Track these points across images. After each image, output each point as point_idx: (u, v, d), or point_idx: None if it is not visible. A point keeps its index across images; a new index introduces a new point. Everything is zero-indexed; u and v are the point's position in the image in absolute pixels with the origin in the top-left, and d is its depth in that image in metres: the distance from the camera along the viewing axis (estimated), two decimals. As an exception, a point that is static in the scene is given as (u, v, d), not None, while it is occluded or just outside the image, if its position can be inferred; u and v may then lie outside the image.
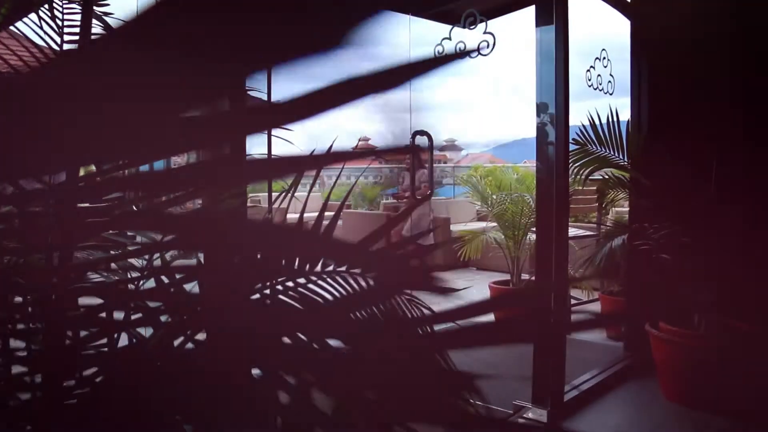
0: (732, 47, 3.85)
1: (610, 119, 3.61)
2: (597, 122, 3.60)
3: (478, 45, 3.39)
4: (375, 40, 0.35)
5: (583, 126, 3.58)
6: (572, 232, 5.51)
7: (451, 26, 3.55)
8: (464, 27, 3.48)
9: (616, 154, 3.67)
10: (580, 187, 4.02)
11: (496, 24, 3.60)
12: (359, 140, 7.51)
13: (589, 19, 4.39)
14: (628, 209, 4.56)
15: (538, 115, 3.29)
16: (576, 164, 3.55)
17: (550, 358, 3.38)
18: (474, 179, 5.02)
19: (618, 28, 4.17)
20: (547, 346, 3.38)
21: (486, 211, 4.91)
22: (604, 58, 4.06)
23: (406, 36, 3.71)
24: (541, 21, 3.24)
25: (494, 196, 4.97)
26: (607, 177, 3.91)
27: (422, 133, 3.58)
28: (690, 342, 3.47)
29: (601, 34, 4.68)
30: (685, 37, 3.98)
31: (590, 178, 3.99)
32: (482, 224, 5.53)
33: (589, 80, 3.94)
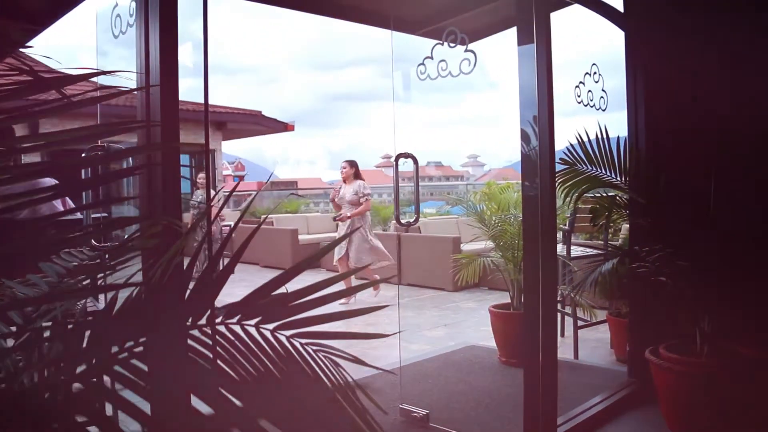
0: (731, 55, 3.69)
1: (600, 137, 3.46)
2: (586, 140, 3.45)
3: (459, 63, 3.28)
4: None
5: (571, 145, 3.43)
6: (577, 251, 5.33)
7: (433, 44, 3.44)
8: (444, 43, 3.37)
9: (608, 173, 3.51)
10: (567, 209, 3.86)
11: (483, 44, 3.50)
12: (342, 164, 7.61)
13: (580, 34, 4.27)
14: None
15: (522, 135, 3.17)
16: (565, 185, 3.40)
17: (541, 386, 3.22)
18: (471, 200, 4.88)
19: (611, 41, 4.03)
20: (536, 372, 3.22)
21: (483, 233, 4.77)
22: (595, 73, 3.91)
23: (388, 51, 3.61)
24: (522, 40, 3.12)
25: (494, 218, 4.82)
26: (602, 196, 3.75)
27: (406, 155, 3.46)
28: (691, 370, 3.28)
29: (593, 49, 4.54)
30: (682, 47, 3.83)
31: (589, 196, 3.85)
32: (488, 244, 5.37)
33: (579, 96, 3.80)
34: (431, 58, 3.45)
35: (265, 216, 13.95)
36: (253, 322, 1.12)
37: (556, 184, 3.23)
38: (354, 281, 7.80)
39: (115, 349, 1.00)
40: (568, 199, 3.43)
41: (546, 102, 3.04)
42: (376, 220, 17.61)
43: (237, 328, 1.11)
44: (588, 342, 5.44)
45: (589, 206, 4.27)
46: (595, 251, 5.39)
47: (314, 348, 1.17)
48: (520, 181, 3.30)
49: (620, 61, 4.04)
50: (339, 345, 1.20)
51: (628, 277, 3.90)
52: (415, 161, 3.52)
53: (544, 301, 3.22)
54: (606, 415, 3.65)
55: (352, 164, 8.12)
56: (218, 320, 1.09)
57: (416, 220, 3.67)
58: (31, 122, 12.48)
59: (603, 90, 3.98)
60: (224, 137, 16.85)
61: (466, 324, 6.92)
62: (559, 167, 3.29)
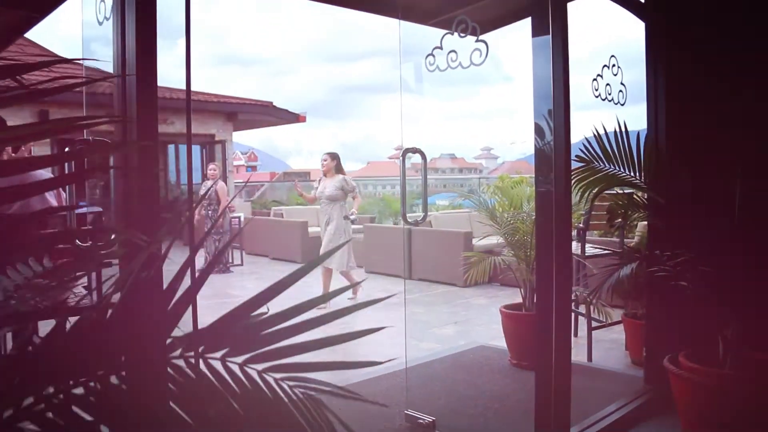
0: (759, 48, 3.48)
1: (618, 132, 3.27)
2: (603, 136, 3.26)
3: (470, 54, 3.10)
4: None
5: (588, 140, 3.24)
6: (592, 251, 5.14)
7: (442, 33, 3.26)
8: (455, 33, 3.20)
9: (627, 171, 3.32)
10: (583, 207, 3.67)
11: (495, 35, 3.32)
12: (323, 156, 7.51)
13: (598, 25, 4.06)
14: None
15: (536, 129, 3.00)
16: (581, 183, 3.21)
17: (553, 391, 3.05)
18: (483, 194, 4.70)
19: (631, 33, 3.83)
20: (549, 376, 3.06)
21: (495, 230, 4.59)
22: (614, 65, 3.71)
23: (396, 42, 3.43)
24: (537, 32, 2.95)
25: (506, 215, 4.64)
26: (619, 193, 3.56)
27: (414, 150, 3.29)
28: (714, 381, 3.10)
29: (611, 40, 4.33)
30: (705, 39, 3.62)
31: (606, 193, 3.66)
32: (500, 240, 5.16)
33: (596, 90, 3.60)
34: (440, 48, 3.27)
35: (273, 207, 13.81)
36: (218, 354, 0.97)
37: (572, 181, 3.05)
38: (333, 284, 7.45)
39: (51, 390, 0.85)
40: (584, 197, 3.24)
41: (562, 95, 2.86)
42: (387, 213, 17.46)
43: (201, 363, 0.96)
44: (602, 343, 5.26)
45: (605, 204, 4.08)
46: (611, 251, 5.20)
47: (292, 384, 1.01)
48: (533, 176, 3.13)
49: (640, 54, 3.84)
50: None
51: (645, 280, 3.71)
52: (423, 156, 3.35)
53: (558, 303, 3.06)
54: (621, 426, 3.48)
55: (334, 157, 7.58)
56: (176, 353, 0.93)
57: (424, 218, 3.51)
58: (39, 111, 12.44)
59: (622, 83, 3.78)
60: (235, 128, 16.73)
61: (477, 321, 6.76)
62: (575, 164, 3.11)
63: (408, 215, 3.33)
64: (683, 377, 3.15)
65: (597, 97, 3.57)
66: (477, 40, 3.10)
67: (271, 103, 16.61)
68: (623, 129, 3.29)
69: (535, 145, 3.02)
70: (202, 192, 10.17)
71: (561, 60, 2.88)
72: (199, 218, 10.17)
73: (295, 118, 17.54)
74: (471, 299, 8.01)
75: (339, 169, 7.53)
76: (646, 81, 3.81)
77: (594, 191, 3.23)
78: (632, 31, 3.82)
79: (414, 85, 3.60)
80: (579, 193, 3.20)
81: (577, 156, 3.15)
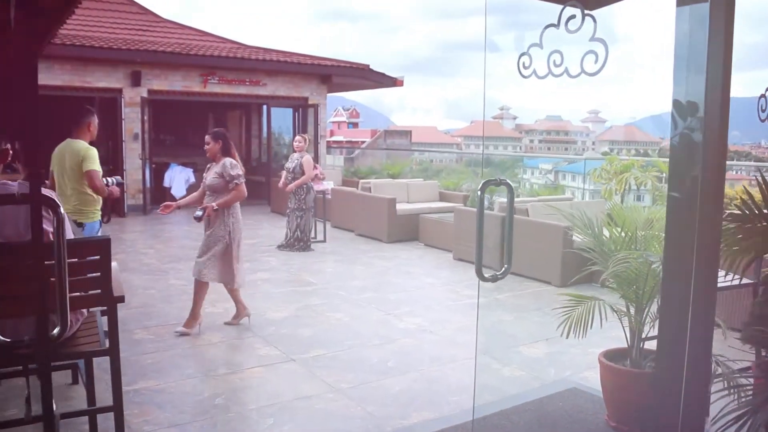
0: None
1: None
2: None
3: (581, 60, 2.22)
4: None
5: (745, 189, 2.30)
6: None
7: (543, 27, 2.38)
8: (560, 27, 2.32)
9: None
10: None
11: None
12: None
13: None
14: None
15: (674, 118, 2.17)
16: (732, 248, 2.28)
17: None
18: (586, 219, 3.76)
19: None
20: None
21: (601, 265, 3.67)
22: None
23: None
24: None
25: (617, 247, 3.70)
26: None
27: (498, 182, 2.47)
28: None
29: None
30: None
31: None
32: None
33: (764, 108, 2.61)
34: (540, 46, 2.40)
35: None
36: None
37: (720, 245, 2.16)
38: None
39: None
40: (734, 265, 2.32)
41: (722, 73, 2.01)
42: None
43: None
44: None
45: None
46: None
47: None
48: (643, 155, 2.27)
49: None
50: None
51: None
52: (510, 189, 2.53)
53: (691, 367, 2.27)
54: None
55: (217, 137, 5.72)
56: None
57: (506, 272, 2.68)
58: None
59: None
60: (329, 90, 16.18)
61: (572, 338, 5.88)
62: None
63: (484, 268, 2.52)
64: None
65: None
66: (592, 38, 2.22)
67: (368, 66, 15.89)
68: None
69: (672, 136, 2.22)
70: (287, 165, 9.68)
71: (723, 42, 2.02)
72: (282, 185, 9.66)
73: (392, 82, 16.76)
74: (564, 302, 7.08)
75: (226, 151, 5.71)
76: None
77: (748, 258, 2.31)
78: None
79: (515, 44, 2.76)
80: (728, 260, 2.29)
81: (730, 215, 2.24)
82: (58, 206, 1.94)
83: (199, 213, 5.50)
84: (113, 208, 12.52)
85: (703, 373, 2.41)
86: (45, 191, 3.04)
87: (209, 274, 5.51)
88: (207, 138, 5.74)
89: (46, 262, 2.09)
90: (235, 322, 5.77)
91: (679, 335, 2.36)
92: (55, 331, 1.93)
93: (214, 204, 5.50)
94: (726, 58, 2.05)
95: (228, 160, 5.63)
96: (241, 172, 5.63)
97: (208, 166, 5.85)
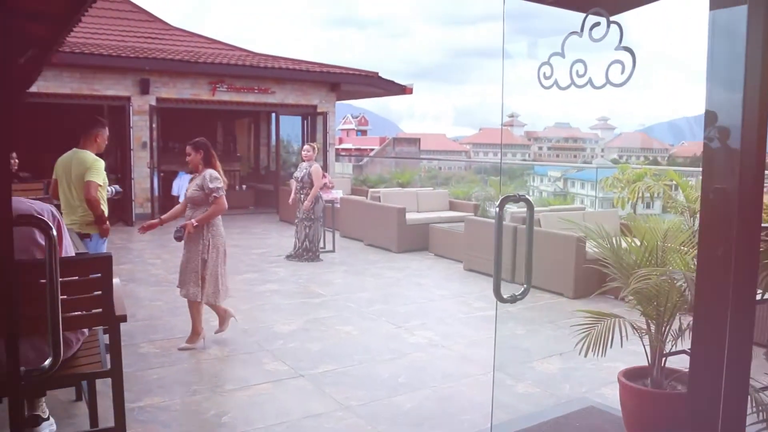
0: None
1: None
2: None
3: (606, 70, 2.10)
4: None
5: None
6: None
7: (564, 36, 2.27)
8: (583, 34, 2.20)
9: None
10: None
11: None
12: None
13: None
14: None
15: (707, 126, 2.06)
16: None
17: None
18: (604, 232, 3.63)
19: None
20: None
21: (619, 281, 3.54)
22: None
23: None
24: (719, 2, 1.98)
25: (636, 261, 3.57)
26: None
27: (518, 198, 2.35)
28: None
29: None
30: None
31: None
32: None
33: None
34: (561, 55, 2.29)
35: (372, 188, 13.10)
36: None
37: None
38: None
39: None
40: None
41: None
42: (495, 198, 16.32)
43: None
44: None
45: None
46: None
47: None
48: (653, 162, 2.15)
49: None
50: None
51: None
52: (530, 205, 2.40)
53: (728, 390, 2.14)
54: None
55: (198, 147, 5.41)
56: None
57: (525, 293, 2.56)
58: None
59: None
60: (338, 98, 16.10)
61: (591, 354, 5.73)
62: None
63: (501, 290, 2.39)
64: None
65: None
66: (618, 47, 2.10)
67: (377, 73, 15.81)
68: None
69: (705, 144, 2.12)
70: (296, 175, 9.59)
71: (761, 49, 1.91)
72: (292, 201, 9.62)
73: (401, 89, 16.67)
74: (581, 318, 6.93)
75: (209, 162, 5.43)
76: None
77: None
78: None
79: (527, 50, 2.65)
80: (765, 279, 2.16)
81: None
82: (51, 228, 1.83)
83: (178, 233, 5.30)
84: (120, 216, 12.46)
85: (741, 396, 2.27)
86: (43, 204, 2.94)
87: (196, 293, 5.32)
88: (188, 148, 5.44)
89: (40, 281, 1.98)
90: (224, 328, 5.62)
91: (716, 356, 2.22)
92: (47, 363, 1.82)
93: (193, 221, 5.26)
94: (765, 64, 1.92)
95: (209, 172, 5.33)
96: (220, 185, 5.32)
97: (192, 176, 5.58)
